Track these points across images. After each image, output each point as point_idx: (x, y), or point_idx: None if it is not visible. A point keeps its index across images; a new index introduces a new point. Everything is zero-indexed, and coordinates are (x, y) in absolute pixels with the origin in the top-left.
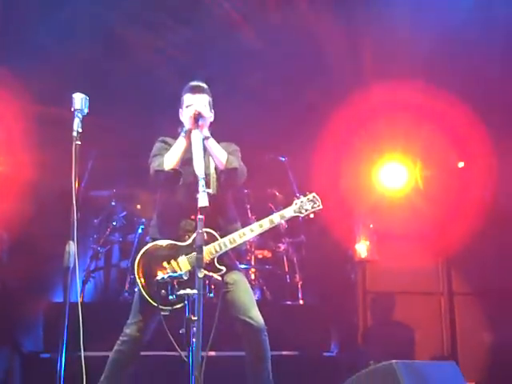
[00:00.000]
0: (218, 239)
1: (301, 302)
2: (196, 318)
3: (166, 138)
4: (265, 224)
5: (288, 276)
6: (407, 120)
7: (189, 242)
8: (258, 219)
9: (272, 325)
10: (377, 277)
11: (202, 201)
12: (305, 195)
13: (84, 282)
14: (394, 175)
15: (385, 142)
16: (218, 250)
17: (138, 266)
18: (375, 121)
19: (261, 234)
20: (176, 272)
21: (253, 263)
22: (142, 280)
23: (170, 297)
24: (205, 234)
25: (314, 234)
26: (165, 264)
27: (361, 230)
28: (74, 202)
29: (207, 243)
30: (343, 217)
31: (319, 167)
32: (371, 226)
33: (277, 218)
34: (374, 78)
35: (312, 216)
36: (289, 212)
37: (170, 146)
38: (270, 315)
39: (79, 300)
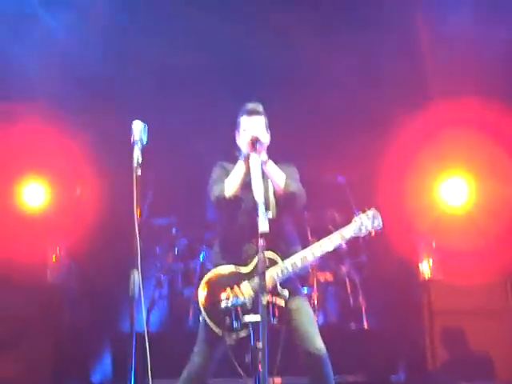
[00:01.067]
0: (279, 263)
1: (365, 325)
2: (261, 346)
3: (224, 163)
4: (325, 245)
5: (351, 298)
6: (470, 135)
7: (251, 267)
8: (317, 241)
9: (336, 349)
10: (443, 296)
11: (263, 226)
12: (364, 212)
13: (148, 311)
14: (455, 191)
15: (447, 158)
16: (280, 274)
17: (201, 294)
18: (437, 136)
19: (322, 256)
20: (239, 298)
21: (315, 286)
22: (206, 308)
23: (235, 324)
24: (266, 259)
25: (376, 253)
26: (228, 290)
27: (424, 249)
28: (137, 231)
29: (269, 268)
30: (405, 235)
31: (379, 185)
32: (434, 243)
33: (337, 239)
34: (437, 93)
35: (373, 234)
36: (349, 231)
37: (228, 171)
38: (334, 339)
39: (145, 329)
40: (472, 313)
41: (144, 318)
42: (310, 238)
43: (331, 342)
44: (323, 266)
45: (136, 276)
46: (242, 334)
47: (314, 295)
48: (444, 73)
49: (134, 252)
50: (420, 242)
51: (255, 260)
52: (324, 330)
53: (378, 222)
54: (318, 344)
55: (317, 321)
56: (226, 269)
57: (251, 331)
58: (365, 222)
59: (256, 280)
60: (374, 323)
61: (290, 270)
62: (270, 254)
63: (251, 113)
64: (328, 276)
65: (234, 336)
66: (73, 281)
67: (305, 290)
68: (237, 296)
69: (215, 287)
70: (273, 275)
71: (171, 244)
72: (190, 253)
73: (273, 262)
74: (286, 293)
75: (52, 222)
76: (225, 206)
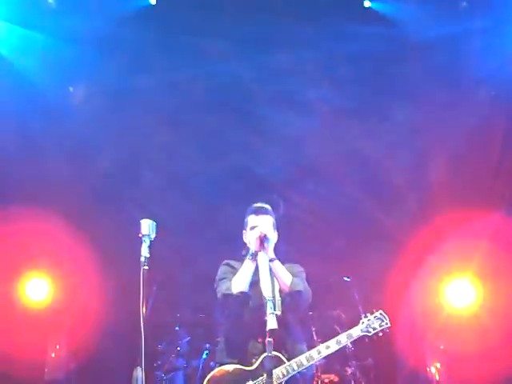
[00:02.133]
0: (285, 362)
1: None
2: None
3: (230, 261)
4: (332, 345)
5: None
6: (474, 241)
7: (256, 365)
8: (323, 342)
9: None
10: None
11: (271, 323)
12: (372, 313)
13: None
14: (461, 293)
15: (453, 262)
16: (285, 373)
17: None
18: (442, 242)
19: (327, 357)
20: None
21: None
22: None
23: None
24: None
25: (382, 356)
26: None
27: (431, 352)
28: (142, 328)
29: (274, 367)
30: (412, 338)
31: (386, 288)
32: (442, 347)
33: (344, 339)
34: (442, 203)
35: (380, 335)
36: (356, 331)
37: (235, 268)
38: None
39: None
40: None
41: None
42: (315, 338)
43: None
44: (328, 367)
45: (139, 373)
46: None
47: None
48: (448, 184)
49: (138, 349)
50: (427, 344)
51: (260, 359)
52: None
53: (386, 322)
54: None
55: None
56: (231, 367)
57: None
58: (373, 323)
59: (261, 379)
60: None
61: (296, 369)
62: (275, 353)
63: (259, 212)
64: (333, 377)
65: None
66: (72, 379)
67: None
68: None
69: None
70: (278, 374)
71: (174, 341)
72: (192, 351)
73: (278, 361)
74: None
75: (53, 318)
76: (232, 303)
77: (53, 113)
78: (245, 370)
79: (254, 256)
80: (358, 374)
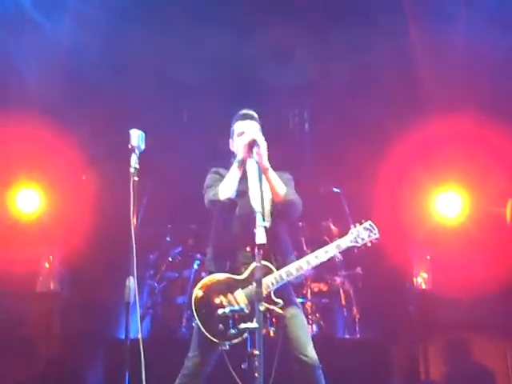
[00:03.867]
0: (274, 272)
1: (358, 335)
2: (258, 353)
3: (219, 169)
4: (320, 255)
5: (345, 309)
6: (463, 150)
7: (245, 275)
8: (313, 252)
9: (329, 360)
10: (437, 309)
11: (260, 237)
12: (360, 223)
13: (142, 319)
14: (449, 204)
15: (441, 172)
16: (274, 283)
17: (195, 300)
18: (431, 150)
19: (316, 267)
20: (233, 306)
21: (309, 296)
22: (200, 314)
23: (232, 331)
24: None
25: (371, 265)
26: (221, 298)
27: (418, 261)
28: (133, 238)
29: (264, 276)
30: (400, 248)
31: (374, 197)
32: (428, 257)
33: (333, 249)
34: (431, 109)
35: (369, 245)
36: (345, 242)
37: (223, 176)
38: (328, 350)
39: (140, 336)
40: (466, 326)
41: (139, 325)
42: (305, 248)
43: (324, 353)
44: (317, 276)
45: (132, 282)
46: (236, 340)
47: (308, 305)
48: (438, 89)
49: (130, 259)
50: (415, 254)
51: (250, 268)
52: (317, 341)
53: (375, 233)
54: (309, 351)
55: (310, 330)
56: (221, 276)
57: (248, 338)
58: (361, 233)
59: (250, 288)
60: (367, 334)
61: (285, 278)
62: (264, 263)
63: (245, 117)
64: (322, 286)
65: (227, 342)
66: (65, 289)
67: (299, 300)
68: (230, 303)
69: (209, 294)
70: (267, 283)
71: (165, 252)
72: (184, 261)
73: (267, 271)
74: (280, 301)
75: (46, 229)
76: (219, 210)
77: None
78: (235, 278)
79: (241, 162)
80: (346, 283)
